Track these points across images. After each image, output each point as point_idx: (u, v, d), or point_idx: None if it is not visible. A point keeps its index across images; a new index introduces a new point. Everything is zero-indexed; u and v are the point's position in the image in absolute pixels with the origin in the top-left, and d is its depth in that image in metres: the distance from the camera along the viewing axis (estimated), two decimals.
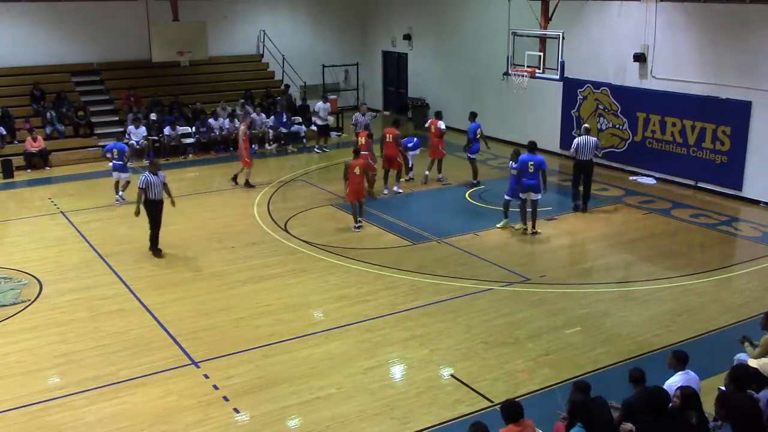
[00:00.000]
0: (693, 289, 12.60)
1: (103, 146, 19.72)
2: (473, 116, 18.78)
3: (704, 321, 11.35)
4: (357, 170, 15.50)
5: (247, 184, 18.78)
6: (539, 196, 15.01)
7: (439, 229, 15.56)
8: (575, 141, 16.62)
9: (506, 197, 15.57)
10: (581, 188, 16.75)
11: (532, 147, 15.27)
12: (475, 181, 18.78)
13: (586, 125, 17.38)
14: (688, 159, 18.45)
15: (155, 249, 14.31)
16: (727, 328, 11.07)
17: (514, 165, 15.16)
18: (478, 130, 18.47)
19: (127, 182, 17.73)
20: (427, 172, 19.10)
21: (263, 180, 19.66)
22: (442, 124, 18.88)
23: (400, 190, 18.35)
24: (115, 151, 17.60)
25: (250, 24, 27.17)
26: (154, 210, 14.17)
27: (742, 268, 13.62)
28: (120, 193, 17.70)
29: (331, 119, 24.34)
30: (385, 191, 18.18)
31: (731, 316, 11.47)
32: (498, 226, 15.60)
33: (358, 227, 15.60)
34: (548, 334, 10.98)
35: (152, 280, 13.09)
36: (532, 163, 14.83)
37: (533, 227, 15.26)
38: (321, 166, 21.42)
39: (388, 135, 18.00)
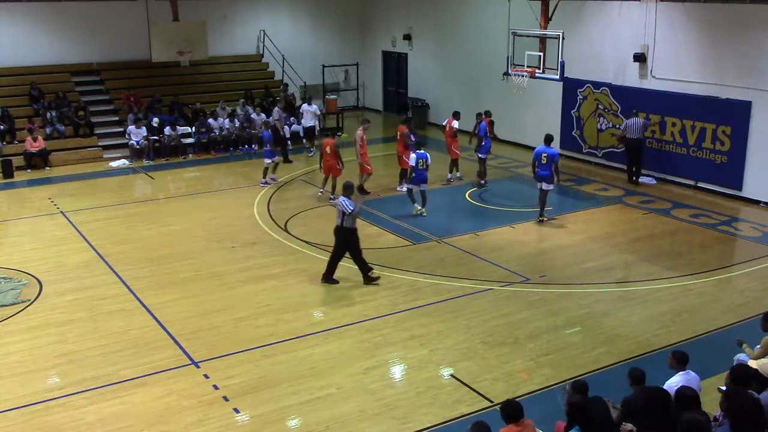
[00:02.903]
0: (693, 289, 12.61)
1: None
2: (480, 116, 18.81)
3: (704, 321, 11.35)
4: (328, 149, 17.21)
5: (362, 190, 17.81)
6: (551, 186, 15.75)
7: (439, 229, 15.56)
8: (625, 122, 18.82)
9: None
10: (633, 167, 18.91)
11: (548, 140, 15.98)
12: (482, 182, 18.73)
13: (635, 110, 18.73)
14: (688, 159, 18.45)
15: (329, 277, 12.91)
16: (727, 328, 11.07)
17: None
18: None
19: (276, 164, 19.21)
20: (449, 175, 19.20)
21: (262, 179, 19.66)
22: (456, 124, 18.93)
23: (404, 189, 18.40)
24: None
25: (250, 24, 27.18)
26: (348, 237, 12.66)
27: (742, 268, 13.63)
28: (271, 176, 19.28)
29: (314, 122, 23.13)
30: (398, 188, 18.56)
31: (731, 316, 11.48)
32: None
33: (322, 193, 17.74)
34: (548, 334, 10.99)
35: (152, 280, 13.09)
36: (546, 155, 15.58)
37: (540, 215, 15.93)
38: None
39: (398, 133, 18.46)
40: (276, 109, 22.58)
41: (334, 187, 17.48)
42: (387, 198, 17.97)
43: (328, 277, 12.86)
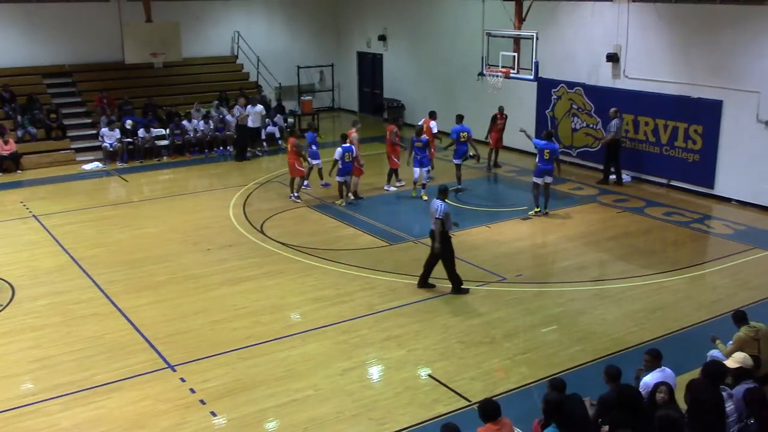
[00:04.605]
0: (667, 286, 12.74)
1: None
2: (460, 119, 18.54)
3: (678, 318, 11.48)
4: (289, 147, 17.67)
5: (356, 196, 17.84)
6: (551, 179, 16.26)
7: (415, 230, 15.58)
8: (614, 122, 18.46)
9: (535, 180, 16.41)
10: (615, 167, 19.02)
11: (548, 135, 16.50)
12: (458, 186, 18.41)
13: (614, 108, 18.62)
14: (661, 158, 18.65)
15: (458, 287, 12.41)
16: (700, 325, 11.21)
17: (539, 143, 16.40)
18: (463, 134, 18.22)
19: (320, 169, 18.78)
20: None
21: (239, 182, 19.59)
22: (434, 126, 18.81)
23: (392, 189, 18.55)
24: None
25: (224, 25, 27.02)
26: (448, 241, 12.31)
27: (715, 265, 13.79)
28: (324, 182, 18.90)
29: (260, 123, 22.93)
30: (385, 187, 18.75)
31: (704, 313, 11.62)
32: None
33: (307, 185, 18.50)
34: (524, 333, 11.05)
35: (127, 284, 12.97)
36: (548, 150, 16.05)
37: (545, 208, 16.41)
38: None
39: (387, 132, 18.61)
40: (237, 107, 22.41)
41: (292, 186, 17.77)
42: (369, 198, 17.92)
43: (424, 282, 12.55)
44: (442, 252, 12.23)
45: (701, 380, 7.48)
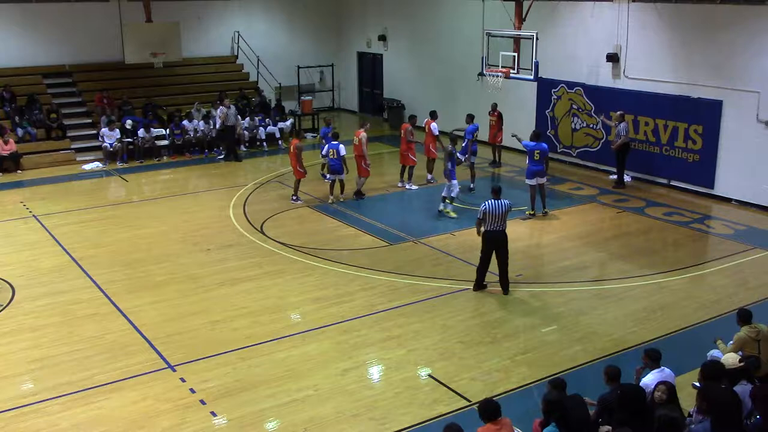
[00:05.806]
0: (667, 286, 12.74)
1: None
2: (471, 118, 18.59)
3: (678, 318, 11.48)
4: (292, 148, 17.57)
5: (358, 194, 17.89)
6: (544, 180, 16.32)
7: (415, 230, 15.58)
8: (623, 125, 18.13)
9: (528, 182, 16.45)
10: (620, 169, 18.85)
11: (536, 136, 16.56)
12: (471, 186, 18.44)
13: (620, 111, 18.45)
14: (661, 158, 18.65)
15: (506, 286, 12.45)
16: (701, 324, 11.21)
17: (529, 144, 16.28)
18: (476, 133, 18.42)
19: (336, 182, 17.71)
20: (429, 176, 19.18)
21: (239, 182, 19.60)
22: (435, 128, 18.71)
23: (414, 187, 18.63)
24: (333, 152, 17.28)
25: (224, 25, 27.03)
26: (490, 244, 12.23)
27: (715, 265, 13.79)
28: (323, 173, 18.76)
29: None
30: (399, 184, 18.87)
31: (704, 313, 11.62)
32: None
33: (327, 178, 17.98)
34: (525, 333, 11.05)
35: (127, 284, 12.97)
36: (538, 151, 16.05)
37: (544, 208, 16.44)
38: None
39: (402, 131, 18.67)
40: (221, 107, 22.16)
41: (296, 188, 17.70)
42: (370, 198, 17.93)
43: (505, 286, 12.41)
44: (505, 248, 12.27)
45: (707, 383, 7.46)
